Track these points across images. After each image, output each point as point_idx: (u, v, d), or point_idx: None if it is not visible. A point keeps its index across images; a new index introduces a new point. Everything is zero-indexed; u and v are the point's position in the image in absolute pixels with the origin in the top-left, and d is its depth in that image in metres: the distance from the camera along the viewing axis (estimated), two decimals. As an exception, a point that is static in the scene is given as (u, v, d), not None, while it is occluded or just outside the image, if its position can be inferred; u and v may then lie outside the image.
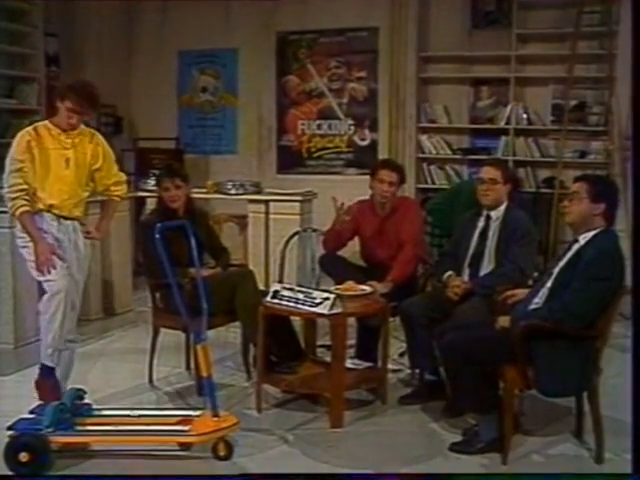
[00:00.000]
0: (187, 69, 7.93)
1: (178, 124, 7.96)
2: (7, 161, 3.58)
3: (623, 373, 3.57)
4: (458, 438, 3.47)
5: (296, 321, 4.26)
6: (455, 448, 3.40)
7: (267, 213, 5.56)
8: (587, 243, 3.27)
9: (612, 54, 6.28)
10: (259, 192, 5.76)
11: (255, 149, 7.73)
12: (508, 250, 3.93)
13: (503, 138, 6.82)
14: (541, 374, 3.19)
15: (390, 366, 4.21)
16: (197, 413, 3.41)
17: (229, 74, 7.80)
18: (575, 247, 3.32)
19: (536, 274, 4.27)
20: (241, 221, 6.41)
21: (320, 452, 3.42)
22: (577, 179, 3.40)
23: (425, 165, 7.15)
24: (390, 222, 4.46)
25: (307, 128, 7.60)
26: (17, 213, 3.52)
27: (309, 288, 3.89)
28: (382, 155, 7.04)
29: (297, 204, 5.48)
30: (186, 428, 3.28)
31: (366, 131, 7.41)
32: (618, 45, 6.16)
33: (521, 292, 3.58)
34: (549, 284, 3.34)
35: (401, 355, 4.59)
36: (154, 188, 6.00)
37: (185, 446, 3.34)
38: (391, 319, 4.14)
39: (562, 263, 3.35)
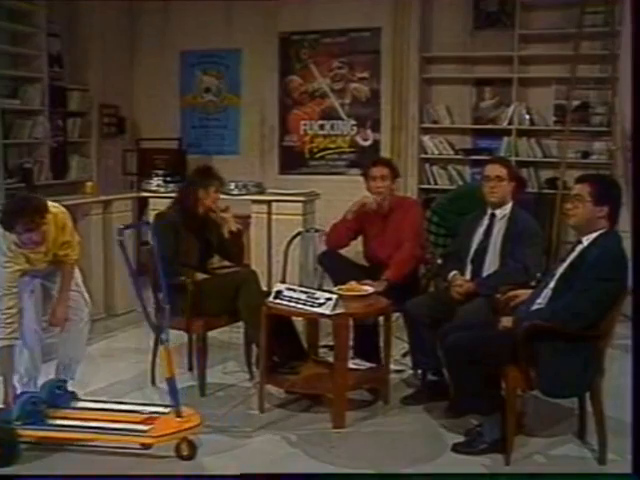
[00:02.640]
0: (190, 69, 7.92)
1: (181, 124, 7.95)
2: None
3: (626, 374, 3.56)
4: (461, 439, 3.47)
5: (299, 321, 4.26)
6: (458, 449, 3.41)
7: (270, 213, 5.56)
8: (591, 244, 3.27)
9: (615, 54, 6.26)
10: (262, 192, 5.77)
11: (258, 149, 7.72)
12: (514, 249, 3.92)
13: (506, 138, 6.80)
14: (544, 375, 3.19)
15: (392, 366, 4.22)
16: (167, 410, 3.38)
17: (232, 74, 7.80)
18: (579, 248, 3.32)
19: (539, 275, 4.27)
20: (244, 221, 6.38)
21: (322, 452, 3.43)
22: (579, 180, 3.38)
23: (427, 166, 7.14)
24: (391, 221, 4.45)
25: (309, 128, 7.59)
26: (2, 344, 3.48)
27: (312, 288, 3.89)
28: (384, 155, 7.03)
29: (300, 204, 5.48)
30: (146, 428, 3.27)
31: (368, 131, 7.40)
32: (621, 45, 6.14)
33: (524, 293, 3.58)
34: (552, 285, 3.33)
35: (404, 355, 4.58)
36: (157, 189, 6.07)
37: (146, 446, 3.32)
38: (393, 318, 4.13)
39: (565, 264, 3.35)
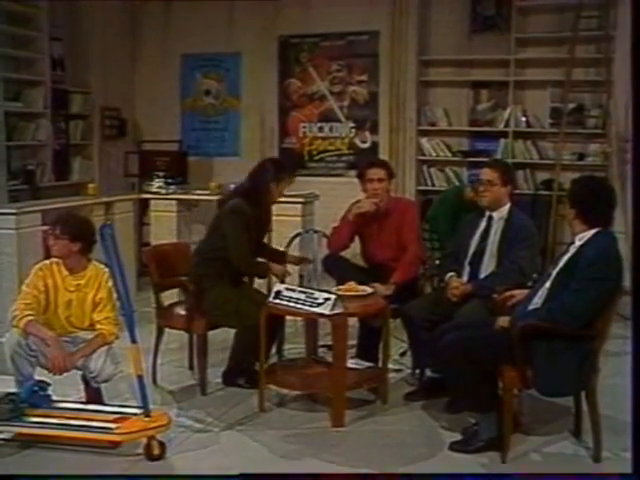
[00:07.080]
0: (190, 73, 7.97)
1: (181, 127, 8.00)
2: (23, 287, 3.68)
3: (621, 373, 3.61)
4: (458, 437, 3.49)
5: (297, 321, 4.29)
6: (455, 447, 3.43)
7: (269, 215, 5.59)
8: (585, 244, 3.30)
9: (609, 58, 6.33)
10: (261, 194, 5.80)
11: (257, 151, 7.75)
12: (510, 250, 3.96)
13: (502, 141, 6.87)
14: (540, 374, 3.23)
15: (391, 366, 4.24)
16: (138, 412, 3.39)
17: (232, 77, 7.85)
18: (573, 248, 3.36)
19: (535, 275, 4.32)
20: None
21: (321, 451, 3.45)
22: (574, 182, 3.46)
23: (425, 167, 7.20)
24: (389, 223, 4.47)
25: (308, 131, 7.65)
26: (22, 325, 3.48)
27: (311, 288, 3.93)
28: (383, 157, 7.08)
29: (299, 206, 5.54)
30: (113, 426, 3.29)
31: (367, 134, 7.45)
32: (615, 49, 6.21)
33: (520, 293, 3.62)
34: (548, 285, 3.36)
35: (402, 355, 4.63)
36: (158, 190, 6.13)
37: (113, 444, 3.35)
38: (392, 320, 4.17)
39: (561, 264, 3.38)
